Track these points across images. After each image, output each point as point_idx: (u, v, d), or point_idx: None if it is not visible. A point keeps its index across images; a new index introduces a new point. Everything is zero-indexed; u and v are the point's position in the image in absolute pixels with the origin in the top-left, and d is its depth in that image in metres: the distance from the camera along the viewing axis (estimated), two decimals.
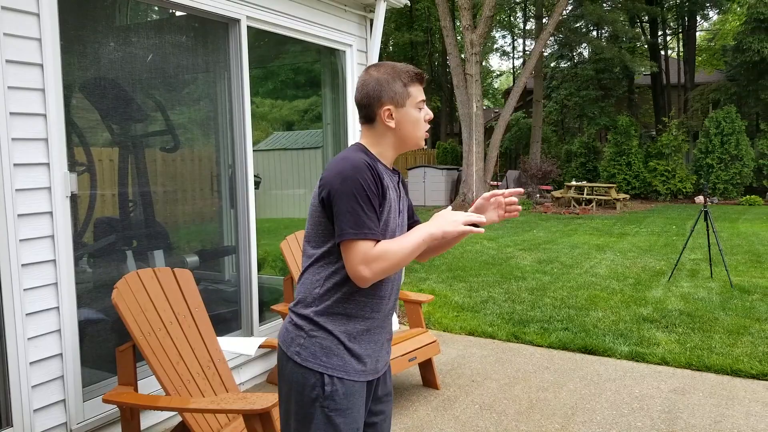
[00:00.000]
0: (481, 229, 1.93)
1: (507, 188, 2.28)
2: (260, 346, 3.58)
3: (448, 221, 1.93)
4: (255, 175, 4.62)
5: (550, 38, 24.81)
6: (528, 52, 30.94)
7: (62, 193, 3.21)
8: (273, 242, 5.16)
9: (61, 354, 3.24)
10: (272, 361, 4.79)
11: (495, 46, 41.74)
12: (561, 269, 9.04)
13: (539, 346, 5.57)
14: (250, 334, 4.64)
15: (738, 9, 27.06)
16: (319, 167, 6.29)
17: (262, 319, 4.79)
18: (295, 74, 6.68)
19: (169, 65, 4.40)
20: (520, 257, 10.16)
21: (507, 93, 28.33)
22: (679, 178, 20.82)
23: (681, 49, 29.17)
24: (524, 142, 26.36)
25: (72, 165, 3.39)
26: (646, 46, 28.25)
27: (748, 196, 19.28)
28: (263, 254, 5.10)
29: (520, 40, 39.50)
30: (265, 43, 5.32)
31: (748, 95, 21.97)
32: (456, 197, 20.24)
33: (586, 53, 28.44)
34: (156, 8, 4.34)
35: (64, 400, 3.26)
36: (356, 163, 1.89)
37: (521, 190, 2.23)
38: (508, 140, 26.84)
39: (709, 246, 8.38)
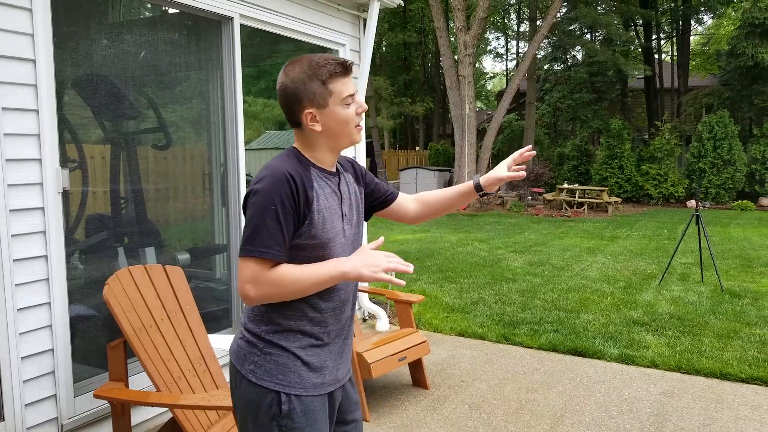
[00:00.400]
0: (402, 282, 1.80)
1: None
2: None
3: (368, 264, 1.80)
4: (247, 174, 4.62)
5: (544, 40, 24.87)
6: (521, 54, 30.99)
7: (54, 189, 3.21)
8: None
9: (52, 349, 3.25)
10: None
11: (488, 47, 41.82)
12: (552, 271, 9.07)
13: (529, 347, 5.59)
14: None
15: (732, 14, 27.22)
16: None
17: None
18: None
19: (162, 63, 4.40)
20: (511, 259, 10.19)
21: (500, 95, 28.43)
22: (671, 182, 20.87)
23: (675, 53, 29.26)
24: (517, 144, 26.36)
25: (64, 161, 3.40)
26: (639, 50, 28.36)
27: (740, 201, 19.33)
28: None
29: (514, 42, 39.56)
30: (258, 41, 5.33)
31: (741, 100, 22.04)
32: None
33: (579, 56, 28.49)
34: (149, 5, 4.35)
35: (55, 395, 3.27)
36: (276, 174, 1.75)
37: (533, 152, 2.15)
38: (500, 142, 26.87)
39: (700, 250, 8.41)
